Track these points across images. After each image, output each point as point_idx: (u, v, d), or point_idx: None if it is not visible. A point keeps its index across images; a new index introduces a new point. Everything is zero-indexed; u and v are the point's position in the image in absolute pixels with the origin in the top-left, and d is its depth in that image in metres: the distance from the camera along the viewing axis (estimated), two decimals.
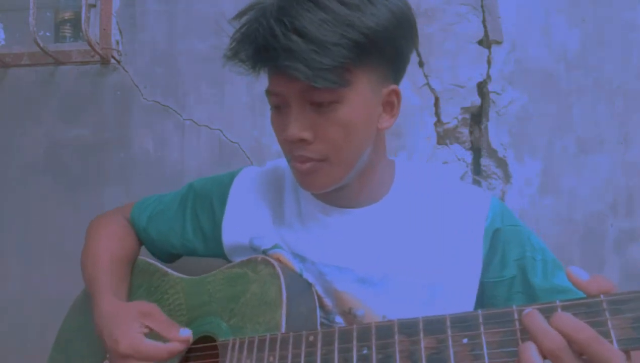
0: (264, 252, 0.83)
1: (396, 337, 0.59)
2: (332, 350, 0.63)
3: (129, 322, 0.77)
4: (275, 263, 0.76)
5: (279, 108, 0.74)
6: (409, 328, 0.58)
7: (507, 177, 1.22)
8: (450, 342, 0.55)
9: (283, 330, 0.70)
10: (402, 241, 0.79)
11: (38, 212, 1.33)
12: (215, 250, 0.91)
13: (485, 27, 1.23)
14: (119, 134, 1.32)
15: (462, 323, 0.55)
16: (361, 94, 0.71)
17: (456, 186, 0.86)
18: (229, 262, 0.88)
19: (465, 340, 0.54)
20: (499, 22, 1.23)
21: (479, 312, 0.55)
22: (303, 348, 0.65)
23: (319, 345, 0.64)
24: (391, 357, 0.58)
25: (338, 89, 0.68)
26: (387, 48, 0.71)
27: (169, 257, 1.01)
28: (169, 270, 0.92)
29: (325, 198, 0.82)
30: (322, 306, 0.80)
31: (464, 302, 0.77)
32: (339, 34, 0.65)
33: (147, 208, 0.99)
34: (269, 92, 0.74)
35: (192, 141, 1.30)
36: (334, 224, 0.81)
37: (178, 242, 0.95)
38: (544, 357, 0.50)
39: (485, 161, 1.24)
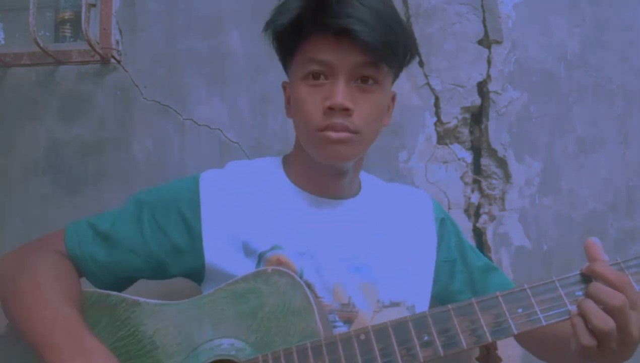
0: (261, 254, 0.80)
1: (455, 319, 0.63)
2: (390, 344, 0.63)
3: None
4: (292, 273, 0.74)
5: (317, 77, 0.77)
6: (463, 310, 0.64)
7: (507, 177, 1.22)
8: (507, 315, 0.62)
9: (322, 335, 0.68)
10: (382, 230, 0.86)
11: (38, 212, 1.33)
12: (193, 264, 0.83)
13: (485, 27, 1.23)
14: (119, 134, 1.32)
15: (511, 295, 0.64)
16: (387, 86, 0.82)
17: (399, 185, 0.98)
18: (197, 278, 0.85)
19: (520, 310, 0.62)
20: (499, 22, 1.23)
21: (526, 286, 0.63)
22: (356, 348, 0.64)
23: (374, 343, 0.64)
24: (455, 337, 0.62)
25: (385, 67, 0.78)
26: (406, 56, 0.82)
27: (123, 284, 0.87)
28: (141, 299, 0.79)
29: (316, 189, 0.85)
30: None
31: (426, 279, 0.88)
32: (396, 22, 0.77)
33: (84, 235, 0.84)
34: (313, 60, 0.77)
35: (192, 141, 1.30)
36: (327, 216, 0.84)
37: (142, 264, 0.83)
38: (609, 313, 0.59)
39: (485, 161, 1.24)
